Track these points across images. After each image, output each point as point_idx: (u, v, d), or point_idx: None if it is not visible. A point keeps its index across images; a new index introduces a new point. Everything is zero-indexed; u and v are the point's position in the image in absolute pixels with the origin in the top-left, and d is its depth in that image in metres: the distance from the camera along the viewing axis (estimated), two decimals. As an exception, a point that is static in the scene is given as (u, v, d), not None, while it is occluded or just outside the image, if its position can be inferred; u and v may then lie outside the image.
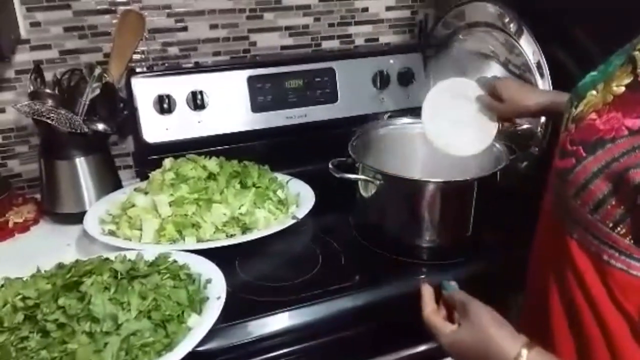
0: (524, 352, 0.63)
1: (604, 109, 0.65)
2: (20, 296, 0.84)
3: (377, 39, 1.63)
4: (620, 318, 0.63)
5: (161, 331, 0.80)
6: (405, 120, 1.28)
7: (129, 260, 0.93)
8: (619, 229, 0.60)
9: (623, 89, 0.64)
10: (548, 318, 0.73)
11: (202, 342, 0.82)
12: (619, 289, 0.62)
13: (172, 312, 0.82)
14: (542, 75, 1.22)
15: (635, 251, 0.60)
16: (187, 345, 0.79)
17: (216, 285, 0.91)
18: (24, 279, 0.91)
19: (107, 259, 0.93)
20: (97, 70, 1.21)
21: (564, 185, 0.66)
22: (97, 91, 1.21)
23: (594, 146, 0.62)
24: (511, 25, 1.28)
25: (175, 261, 0.95)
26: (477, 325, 0.69)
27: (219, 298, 0.88)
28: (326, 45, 1.58)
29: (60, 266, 0.93)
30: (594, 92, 0.69)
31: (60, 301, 0.81)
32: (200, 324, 0.83)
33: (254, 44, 1.50)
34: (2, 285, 0.89)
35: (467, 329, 0.70)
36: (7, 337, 0.79)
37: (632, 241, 0.60)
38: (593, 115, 0.66)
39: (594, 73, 0.73)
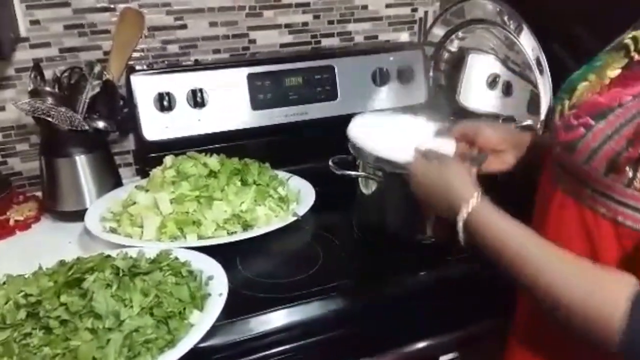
0: (476, 194, 0.75)
1: (603, 90, 0.69)
2: (22, 293, 0.84)
3: (376, 37, 1.63)
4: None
5: (163, 328, 0.81)
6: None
7: (131, 257, 0.93)
8: (635, 184, 0.62)
9: (619, 71, 0.69)
10: None
11: (204, 338, 0.82)
12: (635, 248, 0.64)
13: (174, 309, 0.83)
14: (541, 72, 1.22)
15: None
16: (189, 341, 0.80)
17: (218, 282, 0.92)
18: (26, 276, 0.91)
19: (108, 256, 0.94)
20: (97, 68, 1.21)
21: (572, 154, 0.68)
22: (97, 89, 1.21)
23: (602, 114, 0.65)
24: (511, 22, 1.28)
25: (176, 258, 0.95)
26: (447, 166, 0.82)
27: (220, 295, 0.88)
28: (326, 42, 1.58)
29: (62, 263, 0.93)
30: (585, 83, 0.73)
31: (63, 298, 0.81)
32: (202, 321, 0.83)
33: (253, 41, 1.50)
34: (4, 283, 0.90)
35: (438, 166, 0.83)
36: (10, 334, 0.79)
37: None
38: (594, 96, 0.69)
39: (578, 71, 0.77)
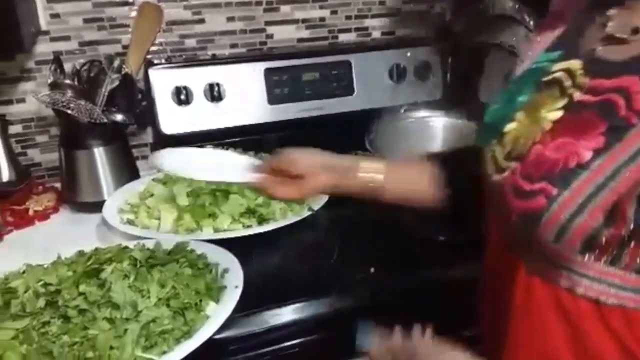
0: None
1: (545, 138, 0.58)
2: (41, 282, 0.86)
3: (393, 32, 1.63)
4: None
5: (180, 319, 0.81)
6: (423, 113, 1.28)
7: (148, 249, 0.94)
8: (621, 262, 0.54)
9: (559, 113, 0.58)
10: None
11: (220, 330, 0.83)
12: (626, 326, 0.56)
13: (191, 300, 0.83)
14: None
15: None
16: (205, 332, 0.80)
17: (234, 275, 0.92)
18: (45, 266, 0.92)
19: (126, 247, 0.95)
20: (117, 62, 1.22)
21: (534, 229, 0.57)
22: (116, 82, 1.22)
23: (562, 178, 0.54)
24: (530, 19, 1.27)
25: (193, 250, 0.96)
26: None
27: (236, 287, 0.89)
28: (343, 38, 1.58)
29: (80, 254, 0.95)
30: (513, 124, 0.62)
31: (81, 288, 0.83)
32: (218, 312, 0.84)
33: (270, 36, 1.50)
34: (24, 272, 0.91)
35: None
36: (29, 322, 0.80)
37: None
38: (537, 147, 0.58)
39: (496, 106, 0.68)
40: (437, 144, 1.20)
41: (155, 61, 1.36)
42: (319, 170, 0.81)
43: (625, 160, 0.51)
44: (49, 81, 1.21)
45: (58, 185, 1.31)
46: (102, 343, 0.76)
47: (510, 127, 0.62)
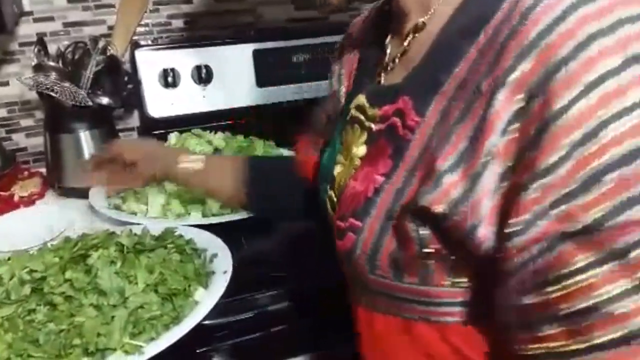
0: None
1: (357, 174, 0.58)
2: (27, 269, 0.84)
3: (384, 13, 1.60)
4: None
5: (168, 305, 0.80)
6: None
7: (135, 234, 0.93)
8: (430, 280, 0.52)
9: (364, 147, 0.59)
10: None
11: (209, 315, 0.81)
12: (465, 342, 0.54)
13: (179, 286, 0.82)
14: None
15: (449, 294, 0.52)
16: (194, 318, 0.79)
17: (222, 260, 0.91)
18: (31, 252, 0.91)
19: (113, 232, 0.93)
20: (102, 43, 1.19)
21: (355, 267, 0.57)
22: (102, 64, 1.19)
23: (365, 210, 0.54)
24: None
25: (181, 235, 0.94)
26: None
27: (225, 272, 0.88)
28: (334, 18, 1.55)
29: (66, 240, 0.93)
30: (338, 167, 0.63)
31: (67, 274, 0.81)
32: (206, 298, 0.83)
33: (259, 16, 1.47)
34: (9, 259, 0.89)
35: None
36: (15, 309, 0.78)
37: (450, 282, 0.52)
38: (351, 183, 0.59)
39: (328, 150, 0.69)
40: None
41: (142, 42, 1.33)
42: (147, 158, 0.86)
43: (407, 177, 0.51)
44: (33, 63, 1.18)
45: (44, 170, 1.29)
46: (89, 330, 0.74)
47: (337, 171, 0.63)
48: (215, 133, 1.22)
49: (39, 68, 1.17)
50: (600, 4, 0.39)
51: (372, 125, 0.58)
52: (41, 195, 1.23)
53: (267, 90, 1.37)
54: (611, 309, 0.39)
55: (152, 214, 1.07)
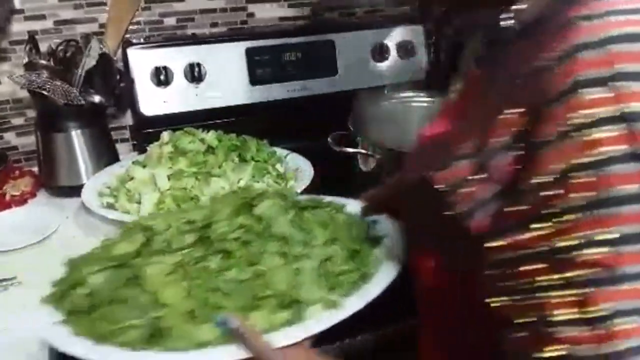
0: None
1: None
2: (184, 220, 0.71)
3: (377, 11, 1.60)
4: None
5: (351, 262, 0.69)
6: (406, 93, 1.27)
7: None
8: None
9: None
10: None
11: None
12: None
13: (355, 245, 0.71)
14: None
15: None
16: (386, 275, 0.68)
17: (383, 226, 0.78)
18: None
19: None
20: (94, 41, 1.19)
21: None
22: (93, 62, 1.19)
23: None
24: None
25: (332, 202, 0.81)
26: None
27: (388, 237, 0.75)
28: (328, 15, 1.55)
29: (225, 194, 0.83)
30: None
31: (240, 219, 0.69)
32: (388, 256, 0.71)
33: (252, 15, 1.47)
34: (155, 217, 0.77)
35: None
36: (181, 257, 0.66)
37: None
38: None
39: None
40: (419, 125, 1.19)
41: (134, 41, 1.33)
42: None
43: None
44: (24, 61, 1.17)
45: (35, 169, 1.28)
46: (279, 280, 0.63)
47: None
48: (208, 131, 1.22)
49: (30, 66, 1.16)
50: None
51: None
52: (33, 195, 1.23)
53: (260, 89, 1.37)
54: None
55: (144, 212, 1.06)
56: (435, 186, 0.48)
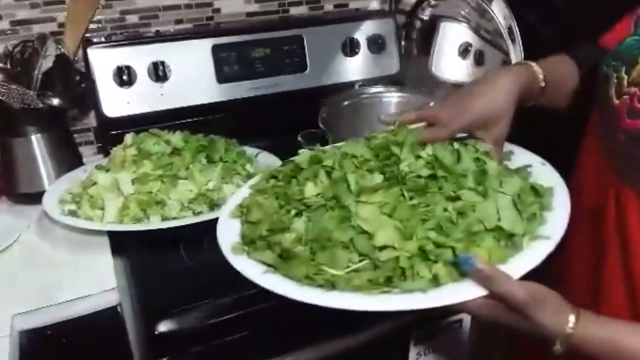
0: (571, 322, 0.58)
1: None
2: (349, 157, 0.71)
3: (346, 5, 1.58)
4: None
5: (531, 194, 0.68)
6: (377, 89, 1.25)
7: None
8: None
9: None
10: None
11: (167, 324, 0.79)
12: None
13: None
14: (513, 40, 1.19)
15: None
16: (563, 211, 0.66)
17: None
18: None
19: None
20: (50, 42, 1.14)
21: None
22: (50, 64, 1.14)
23: None
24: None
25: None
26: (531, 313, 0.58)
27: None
28: (294, 11, 1.53)
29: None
30: None
31: (423, 153, 0.69)
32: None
33: (217, 10, 1.44)
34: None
35: (516, 318, 0.59)
36: (383, 197, 0.64)
37: None
38: None
39: (635, 37, 0.70)
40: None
41: (95, 40, 1.28)
42: None
43: None
44: (-22, 65, 1.13)
45: (-5, 176, 1.23)
46: (488, 215, 0.62)
47: None
48: (174, 132, 1.19)
49: (-16, 70, 1.11)
50: None
51: None
52: (-8, 203, 1.18)
53: (228, 87, 1.34)
54: None
55: (108, 218, 1.03)
56: None
